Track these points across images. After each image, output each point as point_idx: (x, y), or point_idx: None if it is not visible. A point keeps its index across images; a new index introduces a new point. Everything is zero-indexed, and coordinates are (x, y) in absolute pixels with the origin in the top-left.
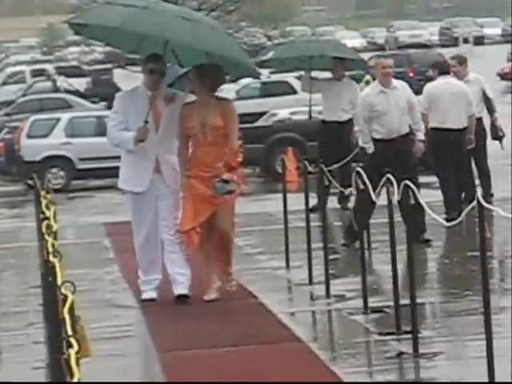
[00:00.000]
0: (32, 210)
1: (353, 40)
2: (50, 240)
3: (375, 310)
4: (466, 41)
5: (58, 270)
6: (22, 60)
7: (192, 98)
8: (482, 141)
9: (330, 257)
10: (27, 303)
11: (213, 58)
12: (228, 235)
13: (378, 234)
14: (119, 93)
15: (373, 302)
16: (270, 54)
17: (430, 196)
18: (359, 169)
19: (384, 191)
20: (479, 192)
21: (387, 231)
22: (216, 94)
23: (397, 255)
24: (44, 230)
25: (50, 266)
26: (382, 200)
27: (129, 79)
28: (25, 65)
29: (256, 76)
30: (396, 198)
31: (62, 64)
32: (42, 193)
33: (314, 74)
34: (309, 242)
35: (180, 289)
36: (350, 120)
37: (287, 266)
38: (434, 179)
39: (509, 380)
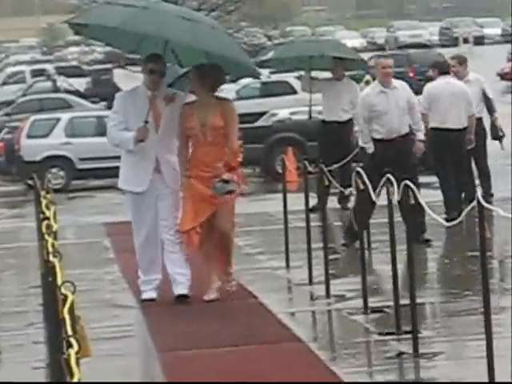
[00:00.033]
0: (32, 209)
1: (353, 40)
2: (49, 240)
3: (375, 310)
4: (466, 41)
5: (58, 270)
6: (22, 60)
7: (192, 98)
8: (482, 141)
9: (330, 257)
10: (27, 303)
11: (213, 58)
12: (228, 235)
13: (377, 234)
14: (119, 93)
15: (373, 302)
16: (270, 54)
17: (430, 196)
18: (359, 169)
19: (384, 191)
20: (479, 192)
21: (387, 231)
22: (216, 93)
23: (397, 255)
24: (44, 229)
25: (50, 265)
26: (382, 200)
27: (129, 79)
28: (25, 65)
29: (256, 76)
30: (396, 198)
31: (62, 64)
32: (42, 193)
33: (314, 74)
34: (309, 242)
35: (180, 289)
36: (350, 120)
37: (287, 266)
38: (434, 179)
39: (509, 380)
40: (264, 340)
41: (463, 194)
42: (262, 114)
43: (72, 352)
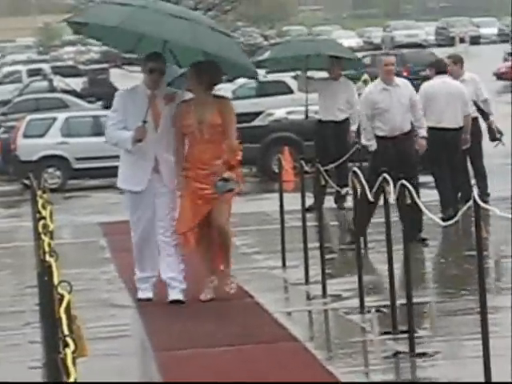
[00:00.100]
0: (28, 209)
1: (349, 40)
2: (46, 239)
3: (371, 310)
4: (462, 40)
5: (54, 269)
6: (19, 60)
7: (189, 95)
8: (478, 140)
9: (327, 256)
10: (23, 303)
11: (211, 57)
12: (224, 230)
13: (374, 234)
14: (119, 91)
15: (369, 301)
16: (267, 55)
17: (427, 196)
18: (356, 168)
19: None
20: (475, 192)
21: (383, 231)
22: (213, 92)
23: (393, 255)
24: (40, 229)
25: (47, 265)
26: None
27: (125, 79)
28: (21, 64)
29: (254, 77)
30: (393, 197)
31: (58, 64)
32: (39, 192)
33: (310, 73)
34: (305, 242)
35: (174, 294)
36: (347, 119)
37: (283, 265)
38: (430, 179)
39: (505, 380)
40: (260, 339)
41: (459, 194)
42: (258, 114)
43: (68, 351)
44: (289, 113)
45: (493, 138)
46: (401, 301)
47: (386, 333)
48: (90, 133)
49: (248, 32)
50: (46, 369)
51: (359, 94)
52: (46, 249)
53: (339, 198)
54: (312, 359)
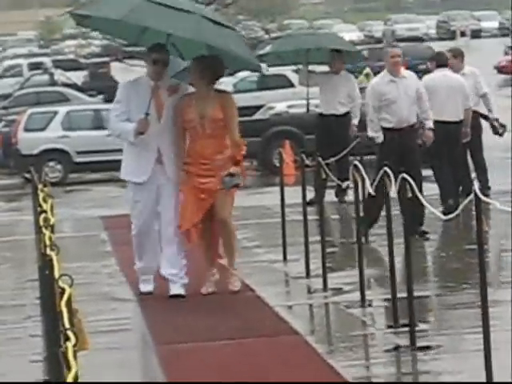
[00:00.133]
0: (29, 203)
1: (350, 33)
2: (47, 233)
3: (372, 303)
4: (463, 34)
5: (55, 263)
6: (20, 53)
7: (191, 90)
8: (478, 134)
9: (328, 250)
10: (24, 296)
11: (214, 50)
12: (226, 222)
13: (375, 227)
14: (122, 82)
15: (370, 295)
16: (268, 48)
17: (428, 189)
18: (357, 162)
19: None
20: (476, 185)
21: (384, 224)
22: (215, 86)
23: (394, 248)
24: (41, 223)
25: (48, 259)
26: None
27: (126, 72)
28: (22, 58)
29: (257, 70)
30: (394, 190)
31: (59, 57)
32: (40, 186)
33: (311, 67)
34: (306, 236)
35: (175, 289)
36: (348, 113)
37: (284, 259)
38: (431, 172)
39: (506, 374)
40: (261, 333)
41: (460, 188)
42: (259, 108)
43: (69, 345)
44: (290, 106)
45: (495, 133)
46: (402, 294)
47: (387, 326)
48: (90, 126)
49: (249, 26)
50: (47, 362)
51: (361, 88)
52: (47, 242)
53: (340, 192)
54: (313, 353)
